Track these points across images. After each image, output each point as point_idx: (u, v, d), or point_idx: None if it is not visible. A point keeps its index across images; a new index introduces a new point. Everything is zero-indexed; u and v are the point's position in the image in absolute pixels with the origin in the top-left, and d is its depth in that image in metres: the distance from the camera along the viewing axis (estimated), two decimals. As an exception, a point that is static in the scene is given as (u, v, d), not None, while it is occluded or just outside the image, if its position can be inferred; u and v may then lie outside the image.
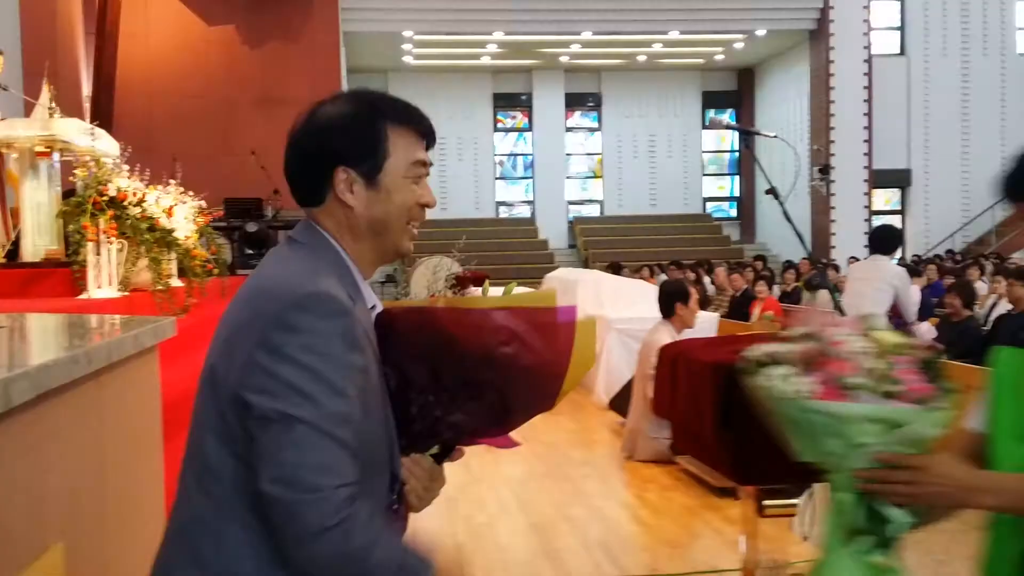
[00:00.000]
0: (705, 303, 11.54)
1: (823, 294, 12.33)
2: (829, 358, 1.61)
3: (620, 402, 6.21)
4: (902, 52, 21.98)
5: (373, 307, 1.65)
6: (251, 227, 11.98)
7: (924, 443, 1.61)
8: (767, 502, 3.01)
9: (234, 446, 1.44)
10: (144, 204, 6.26)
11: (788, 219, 3.83)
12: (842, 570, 1.63)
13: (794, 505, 3.02)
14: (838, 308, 4.09)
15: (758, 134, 4.06)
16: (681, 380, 3.20)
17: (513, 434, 1.88)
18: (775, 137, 4.35)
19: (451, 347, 1.63)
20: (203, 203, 7.96)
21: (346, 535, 1.36)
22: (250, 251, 12.22)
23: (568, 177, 24.82)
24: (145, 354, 2.70)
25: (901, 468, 1.59)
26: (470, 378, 1.62)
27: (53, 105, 6.35)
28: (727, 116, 24.75)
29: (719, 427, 2.86)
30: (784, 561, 3.13)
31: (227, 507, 1.44)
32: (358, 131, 1.59)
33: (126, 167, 6.44)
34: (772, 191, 3.81)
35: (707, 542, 3.81)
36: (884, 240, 6.33)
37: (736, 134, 23.92)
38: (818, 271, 4.01)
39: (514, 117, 24.64)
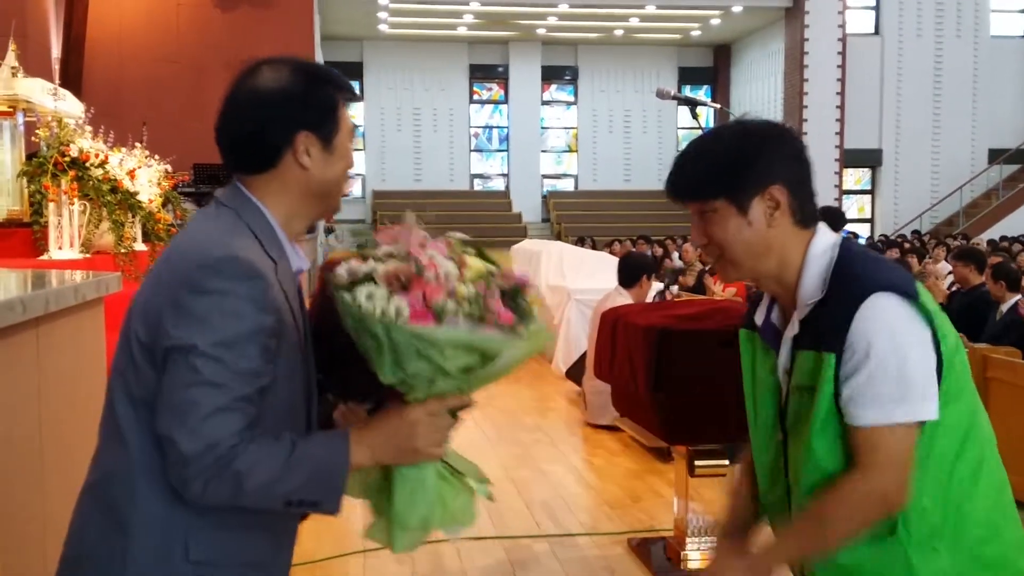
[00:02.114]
0: (674, 278, 11.66)
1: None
2: (419, 279, 1.55)
3: (577, 371, 6.31)
4: (876, 32, 22.09)
5: (299, 270, 1.70)
6: (219, 193, 11.97)
7: (509, 370, 1.60)
8: (698, 462, 3.11)
9: (146, 397, 1.50)
10: (107, 166, 6.28)
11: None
12: (419, 478, 1.61)
13: (724, 465, 3.13)
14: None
15: (703, 104, 4.13)
16: (619, 343, 3.30)
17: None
18: (721, 108, 4.42)
19: None
20: (168, 167, 7.96)
21: (235, 481, 1.43)
22: (218, 217, 12.21)
23: (543, 151, 24.85)
24: (89, 307, 2.75)
25: None
26: None
27: (17, 65, 6.33)
28: (703, 92, 24.80)
29: (651, 389, 2.96)
30: (716, 520, 3.23)
31: (139, 457, 1.50)
32: (319, 99, 1.66)
33: (89, 128, 6.44)
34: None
35: (647, 504, 3.92)
36: (827, 220, 6.44)
37: (711, 112, 24.03)
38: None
39: (490, 89, 24.61)
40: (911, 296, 1.61)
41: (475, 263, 1.67)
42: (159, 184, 7.49)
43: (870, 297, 1.60)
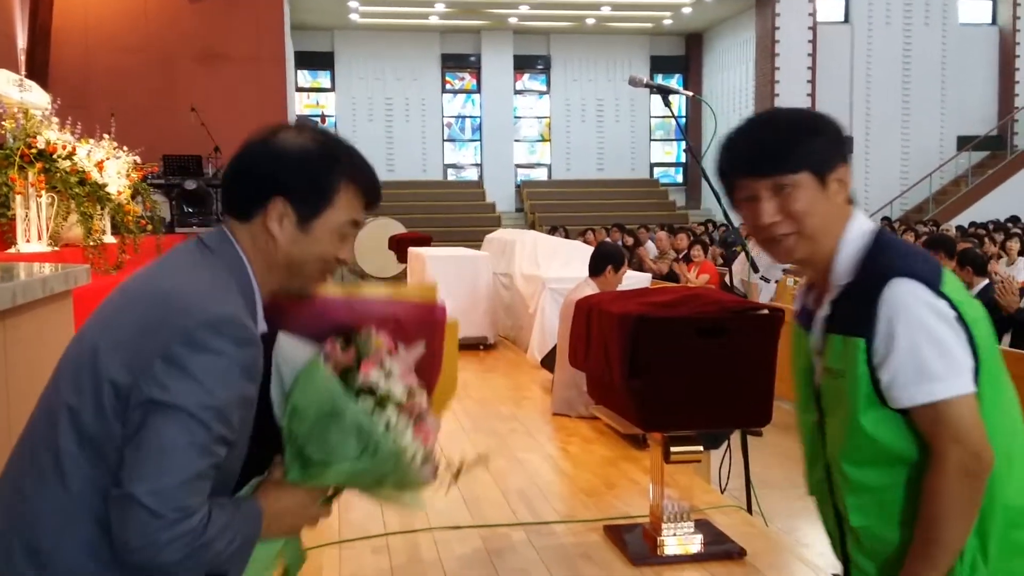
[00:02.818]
0: (644, 265, 11.70)
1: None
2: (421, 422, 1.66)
3: (552, 360, 6.31)
4: (846, 20, 22.21)
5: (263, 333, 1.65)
6: (190, 185, 11.86)
7: (381, 496, 1.73)
8: (673, 449, 3.12)
9: (100, 441, 1.42)
10: (75, 158, 6.20)
11: (706, 178, 3.92)
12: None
13: (699, 451, 3.14)
14: (752, 265, 4.21)
15: (676, 92, 4.13)
16: (594, 332, 3.30)
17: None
18: (693, 96, 4.43)
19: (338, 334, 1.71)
20: (137, 158, 7.87)
21: (204, 552, 1.41)
22: (189, 209, 12.11)
23: (516, 140, 24.82)
24: (57, 300, 2.72)
25: None
26: None
27: (-20, 55, 6.21)
28: (675, 80, 24.84)
29: (626, 376, 2.96)
30: (691, 507, 3.25)
31: (81, 503, 1.42)
32: (313, 173, 1.60)
33: (56, 120, 6.36)
34: (689, 150, 3.90)
35: (622, 491, 3.93)
36: None
37: (684, 101, 24.09)
38: (730, 228, 4.09)
39: (462, 79, 24.54)
40: (932, 284, 1.64)
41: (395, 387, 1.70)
42: (128, 176, 7.41)
43: (891, 282, 1.64)
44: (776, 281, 9.58)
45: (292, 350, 1.64)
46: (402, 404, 1.63)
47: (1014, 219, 17.46)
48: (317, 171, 1.60)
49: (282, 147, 1.61)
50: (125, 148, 7.53)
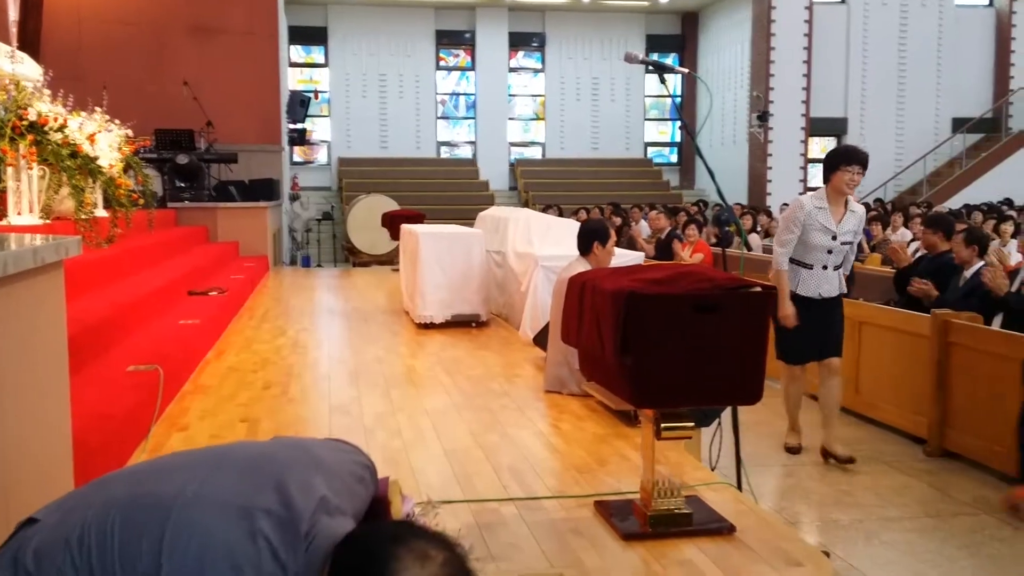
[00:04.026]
0: (636, 244, 11.70)
1: (754, 238, 12.59)
2: None
3: (544, 338, 6.31)
4: (842, 0, 22.13)
5: None
6: (182, 159, 11.80)
7: None
8: (664, 425, 3.12)
9: None
10: (66, 130, 6.16)
11: (701, 157, 3.92)
12: None
13: (690, 427, 3.14)
14: (745, 244, 4.20)
15: (671, 69, 4.11)
16: (587, 308, 3.30)
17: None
18: (689, 74, 4.41)
19: None
20: (129, 132, 7.83)
21: None
22: (181, 183, 12.05)
23: (511, 118, 24.73)
24: (48, 271, 2.70)
25: None
26: None
27: (-29, 27, 6.15)
28: (671, 59, 24.76)
29: (618, 352, 2.96)
30: (681, 483, 3.26)
31: None
32: None
33: (48, 92, 6.31)
34: (684, 127, 3.90)
35: (613, 467, 3.94)
36: None
37: (679, 80, 24.02)
38: (724, 207, 4.10)
39: (457, 55, 24.41)
40: None
41: None
42: (120, 149, 7.37)
43: None
44: None
45: None
46: None
47: (1007, 201, 17.50)
48: None
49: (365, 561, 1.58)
50: (117, 121, 7.48)
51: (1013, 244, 10.39)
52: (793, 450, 6.31)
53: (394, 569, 1.52)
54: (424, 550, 1.56)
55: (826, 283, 5.80)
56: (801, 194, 20.90)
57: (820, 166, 21.75)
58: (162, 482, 1.67)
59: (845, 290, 5.96)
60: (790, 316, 5.71)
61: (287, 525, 1.60)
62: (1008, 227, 10.95)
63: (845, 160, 5.61)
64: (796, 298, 5.78)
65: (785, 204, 18.33)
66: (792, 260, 5.78)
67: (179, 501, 1.60)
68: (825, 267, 5.77)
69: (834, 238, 5.72)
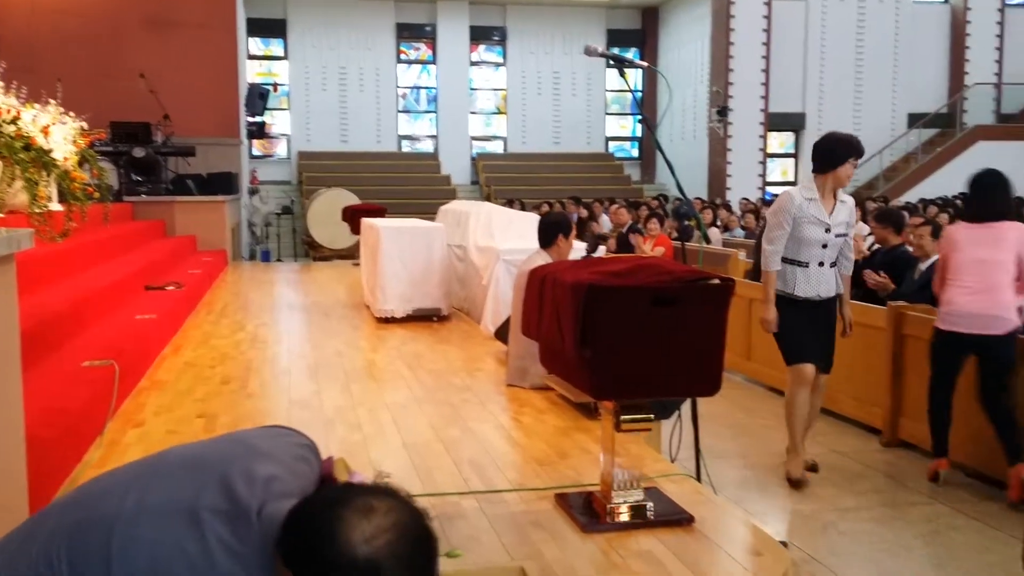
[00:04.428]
0: (595, 244, 11.74)
1: (714, 232, 12.68)
2: None
3: (506, 331, 6.32)
4: (801, -4, 22.35)
5: None
6: (138, 152, 11.65)
7: None
8: (624, 417, 3.14)
9: None
10: (19, 122, 6.05)
11: (659, 148, 3.94)
12: None
13: (649, 419, 3.16)
14: (705, 238, 4.24)
15: (631, 63, 4.12)
16: (547, 301, 3.30)
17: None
18: (649, 67, 4.43)
19: None
20: (84, 124, 7.71)
21: None
22: (138, 177, 11.90)
23: (472, 112, 24.68)
24: (-1, 264, 2.65)
25: None
26: None
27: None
28: (631, 54, 24.79)
29: (578, 345, 2.97)
30: (641, 475, 3.28)
31: None
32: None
33: (0, 84, 6.19)
34: (645, 121, 3.91)
35: (574, 460, 3.95)
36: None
37: (640, 75, 24.11)
38: (684, 201, 4.11)
39: (417, 49, 24.31)
40: None
41: None
42: (75, 142, 7.25)
43: None
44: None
45: None
46: None
47: (963, 195, 17.74)
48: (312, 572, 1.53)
49: (314, 535, 1.54)
50: (72, 114, 7.36)
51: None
52: (798, 483, 5.49)
53: (339, 530, 1.49)
54: (367, 503, 1.54)
55: (824, 282, 5.37)
56: (762, 188, 21.24)
57: (778, 161, 21.91)
58: (101, 502, 1.64)
59: (842, 290, 5.52)
60: (772, 321, 5.35)
61: (237, 518, 1.58)
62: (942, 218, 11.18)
63: (855, 152, 5.26)
64: (794, 302, 5.35)
65: (745, 199, 18.52)
66: (784, 260, 5.32)
67: (122, 517, 1.57)
68: (821, 263, 5.32)
69: (827, 230, 5.28)
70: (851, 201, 5.47)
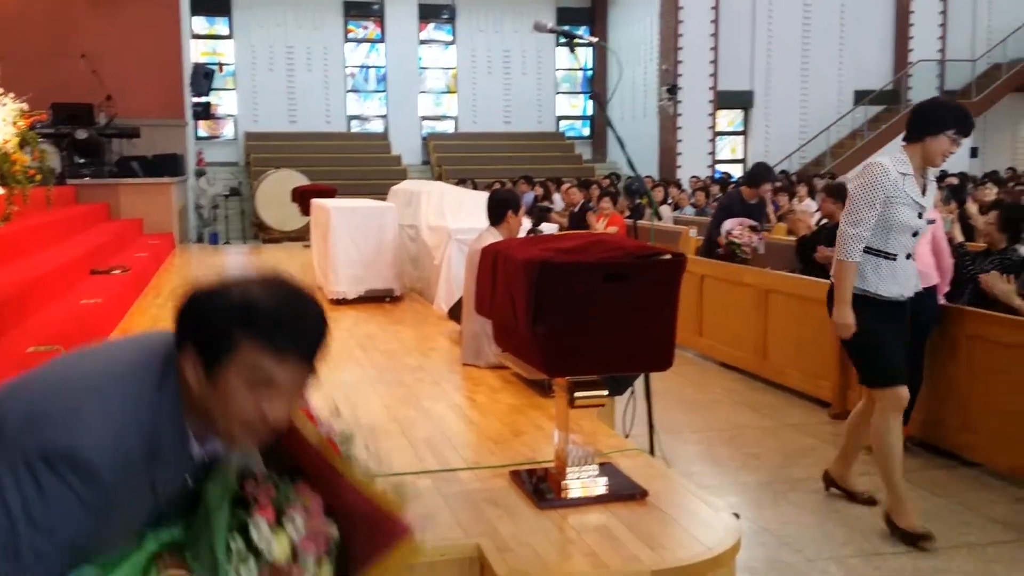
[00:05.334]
0: (539, 219, 11.75)
1: (665, 210, 12.76)
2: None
3: (459, 311, 6.31)
4: (748, -27, 22.48)
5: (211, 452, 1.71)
6: (81, 134, 11.41)
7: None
8: (578, 394, 3.15)
9: None
10: (-45, 104, 5.91)
11: (610, 125, 3.95)
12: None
13: (603, 395, 3.18)
14: (656, 215, 4.26)
15: (580, 39, 4.12)
16: (499, 278, 3.30)
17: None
18: (598, 43, 4.43)
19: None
20: (25, 106, 7.54)
21: None
22: (81, 159, 11.66)
23: (422, 92, 24.52)
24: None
25: None
26: None
27: None
28: (582, 32, 24.80)
29: (531, 322, 2.97)
30: (595, 451, 3.30)
31: None
32: (211, 326, 1.57)
33: (-66, 64, 6.03)
34: (595, 97, 3.92)
35: (528, 437, 3.97)
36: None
37: (591, 53, 24.10)
38: (635, 177, 4.12)
39: (366, 27, 24.07)
40: None
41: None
42: (15, 124, 7.09)
43: None
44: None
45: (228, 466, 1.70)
46: (273, 565, 1.62)
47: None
48: (216, 324, 1.57)
49: (207, 294, 1.60)
50: (12, 95, 7.20)
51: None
52: (926, 537, 4.38)
53: (218, 292, 1.59)
54: (243, 286, 1.61)
55: (912, 277, 4.43)
56: (711, 167, 21.40)
57: (728, 138, 22.03)
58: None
59: (920, 287, 4.59)
60: (850, 325, 4.33)
61: (139, 372, 1.61)
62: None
63: (959, 126, 4.28)
64: (876, 303, 4.34)
65: (695, 176, 18.63)
66: (866, 250, 4.32)
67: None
68: (909, 256, 4.38)
69: (919, 215, 4.32)
70: (932, 178, 4.55)
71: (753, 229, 7.78)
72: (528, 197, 13.22)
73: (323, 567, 1.73)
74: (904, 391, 4.38)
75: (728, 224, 7.83)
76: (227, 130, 23.06)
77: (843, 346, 4.64)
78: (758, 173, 8.14)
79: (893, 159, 4.35)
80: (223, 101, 22.55)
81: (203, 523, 1.64)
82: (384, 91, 24.23)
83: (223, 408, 1.58)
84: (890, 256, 4.31)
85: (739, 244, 7.75)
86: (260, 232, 17.89)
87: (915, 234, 4.33)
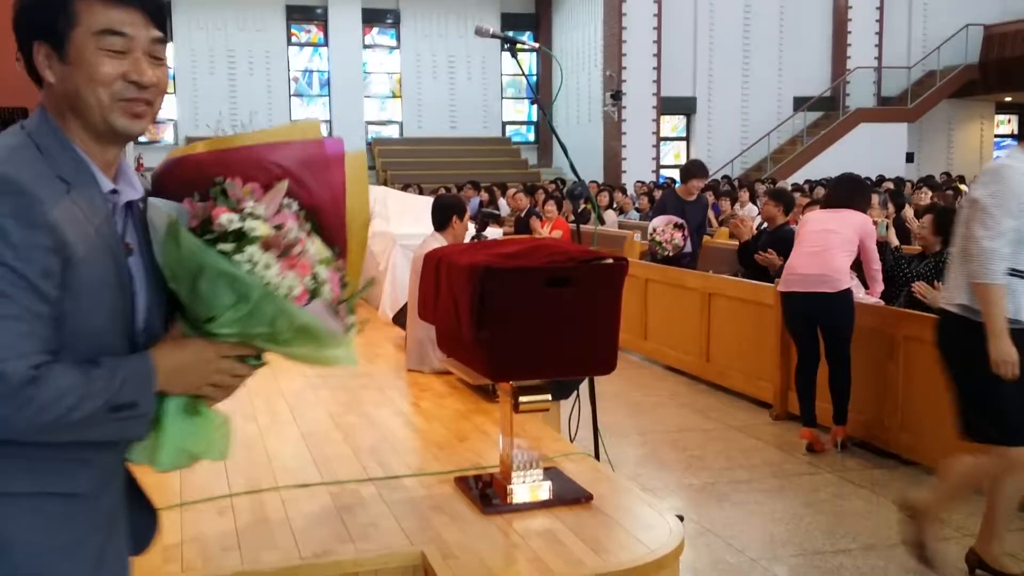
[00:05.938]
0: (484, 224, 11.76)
1: (610, 214, 12.83)
2: (292, 256, 1.61)
3: (403, 317, 6.27)
4: (691, -19, 22.75)
5: (116, 192, 1.62)
6: (16, 138, 11.15)
7: (314, 361, 1.74)
8: (522, 399, 3.14)
9: None
10: None
11: (553, 131, 3.96)
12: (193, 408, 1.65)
13: (547, 400, 3.18)
14: (599, 219, 4.28)
15: (523, 44, 4.13)
16: (443, 284, 3.28)
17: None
18: (540, 48, 4.44)
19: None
20: (-45, 109, 7.35)
21: (31, 414, 1.37)
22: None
23: (367, 96, 24.41)
24: None
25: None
26: None
27: None
28: (526, 37, 24.89)
29: (475, 327, 2.96)
30: (540, 455, 3.30)
31: None
32: (47, 6, 1.53)
33: None
34: (538, 102, 3.92)
35: (473, 443, 3.95)
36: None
37: (535, 58, 24.20)
38: (579, 182, 4.16)
39: (309, 31, 23.91)
40: None
41: (320, 244, 1.70)
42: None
43: None
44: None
45: (157, 215, 1.60)
46: (266, 239, 1.57)
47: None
48: (49, 4, 1.53)
49: None
50: (-60, 98, 7.02)
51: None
52: None
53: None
54: None
55: None
56: (656, 171, 21.60)
57: (671, 144, 22.18)
58: None
59: None
60: (1012, 361, 3.57)
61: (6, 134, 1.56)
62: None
63: None
64: (1018, 334, 3.60)
65: (640, 181, 18.75)
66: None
67: None
68: None
69: None
70: None
71: (678, 227, 7.82)
72: (474, 202, 13.22)
73: (306, 229, 1.69)
74: (1020, 454, 3.65)
75: (655, 222, 7.93)
76: (167, 135, 22.73)
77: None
78: (686, 168, 8.25)
79: (1019, 162, 3.65)
80: (163, 105, 22.19)
81: (192, 277, 1.55)
82: (328, 95, 24.07)
83: (88, 81, 1.53)
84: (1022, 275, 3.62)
85: (659, 242, 7.81)
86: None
87: None
